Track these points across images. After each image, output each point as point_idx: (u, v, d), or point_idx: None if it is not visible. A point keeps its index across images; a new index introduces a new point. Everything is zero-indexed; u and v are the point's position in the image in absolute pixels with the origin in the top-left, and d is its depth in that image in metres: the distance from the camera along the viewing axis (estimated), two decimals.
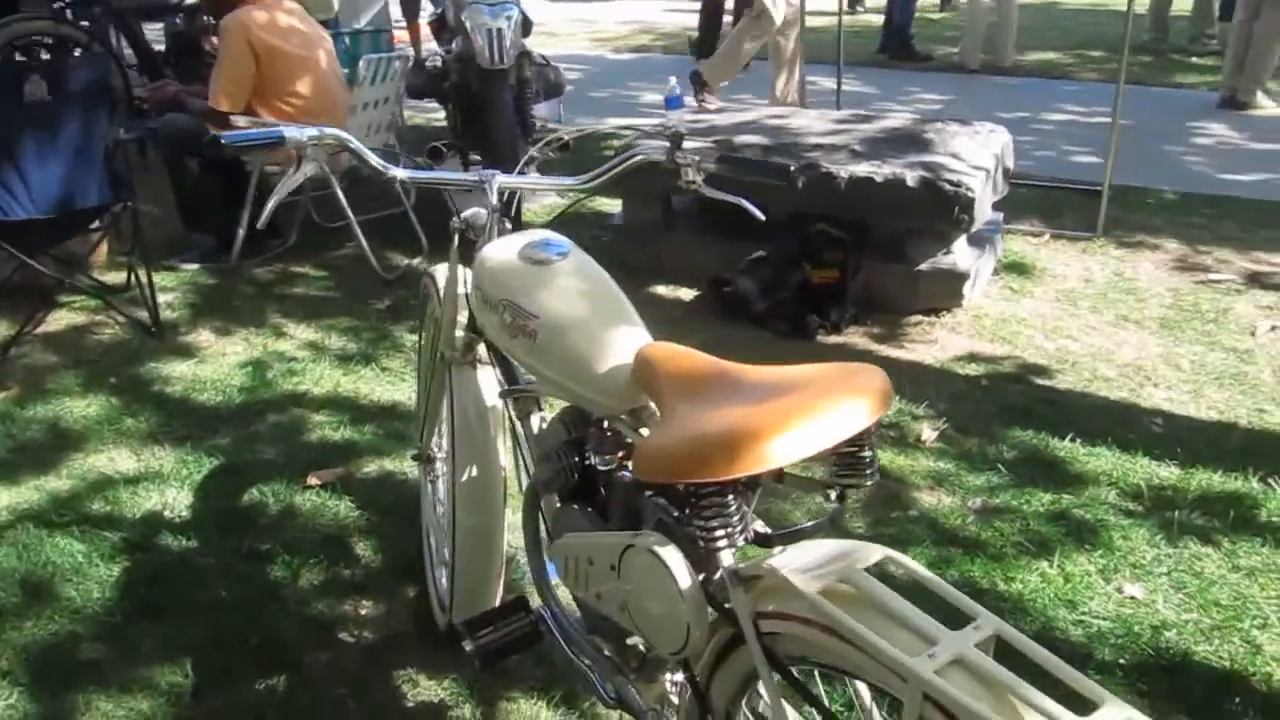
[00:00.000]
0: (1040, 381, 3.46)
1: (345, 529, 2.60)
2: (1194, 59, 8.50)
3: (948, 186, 3.71)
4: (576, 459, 1.61)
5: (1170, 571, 2.48)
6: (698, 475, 1.19)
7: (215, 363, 3.51)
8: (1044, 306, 4.01)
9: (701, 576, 1.37)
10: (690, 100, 4.84)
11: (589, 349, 1.49)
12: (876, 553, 1.27)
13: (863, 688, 1.38)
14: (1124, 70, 4.54)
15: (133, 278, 3.91)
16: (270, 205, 1.66)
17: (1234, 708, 2.08)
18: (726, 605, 1.39)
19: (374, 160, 1.76)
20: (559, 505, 1.66)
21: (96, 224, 3.88)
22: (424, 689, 2.09)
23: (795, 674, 1.31)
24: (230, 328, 3.79)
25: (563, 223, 4.84)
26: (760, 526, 1.28)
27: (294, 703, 2.06)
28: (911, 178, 3.76)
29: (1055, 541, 2.59)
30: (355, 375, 3.43)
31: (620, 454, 1.55)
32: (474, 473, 1.87)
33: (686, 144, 1.74)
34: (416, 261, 4.38)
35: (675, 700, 1.67)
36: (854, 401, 1.22)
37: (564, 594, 1.77)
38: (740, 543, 1.27)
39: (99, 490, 2.77)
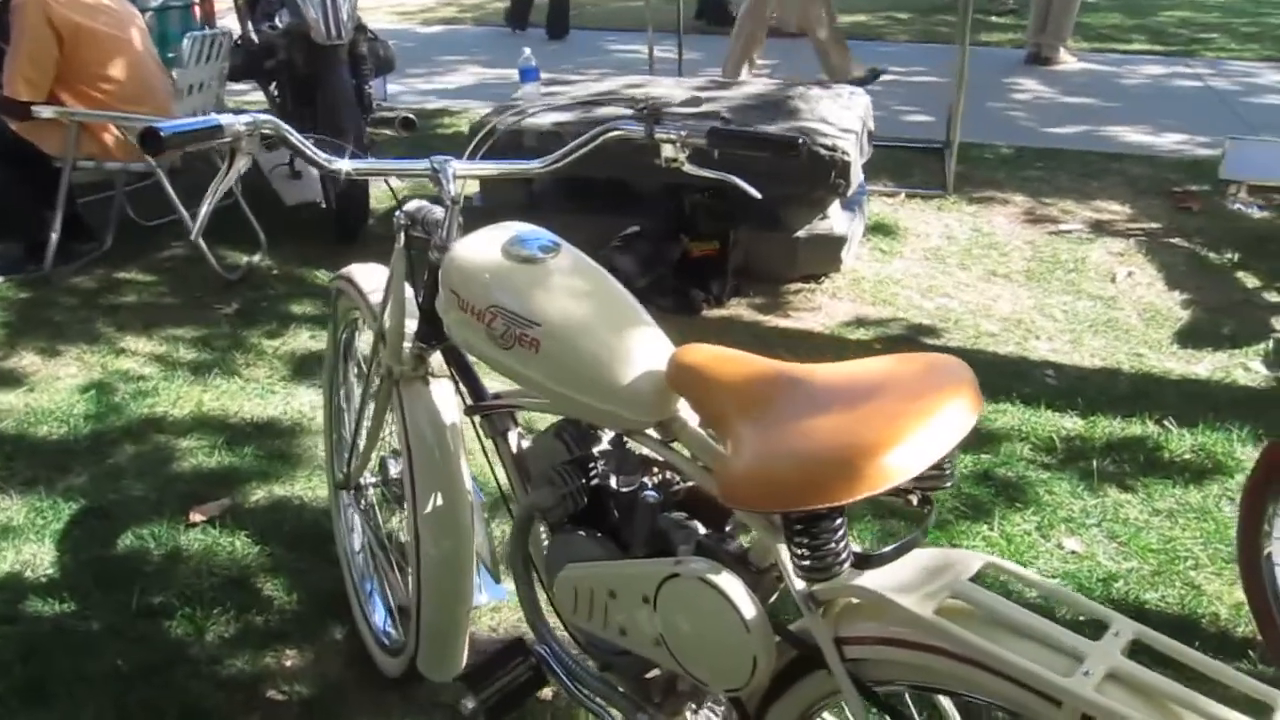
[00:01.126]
0: (930, 341, 3.48)
1: (247, 569, 2.30)
2: (993, 18, 8.89)
3: (824, 151, 3.67)
4: (584, 480, 1.43)
5: (1100, 522, 2.52)
6: (813, 501, 1.04)
7: (48, 389, 3.07)
8: (915, 266, 4.05)
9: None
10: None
11: (608, 358, 1.31)
12: (976, 560, 1.16)
13: (945, 701, 1.28)
14: (966, 30, 4.64)
15: None
16: (206, 210, 1.37)
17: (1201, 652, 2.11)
18: (790, 629, 1.26)
19: (312, 151, 1.50)
20: (559, 533, 1.47)
21: None
22: None
23: (884, 700, 1.20)
24: (57, 347, 3.33)
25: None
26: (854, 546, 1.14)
27: None
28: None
29: (988, 503, 2.58)
30: (218, 390, 3.07)
31: (643, 473, 1.38)
32: (438, 500, 1.65)
33: (666, 120, 1.56)
34: (257, 258, 4.00)
35: None
36: (958, 400, 1.10)
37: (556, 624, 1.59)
38: (847, 567, 1.13)
39: None
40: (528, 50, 3.97)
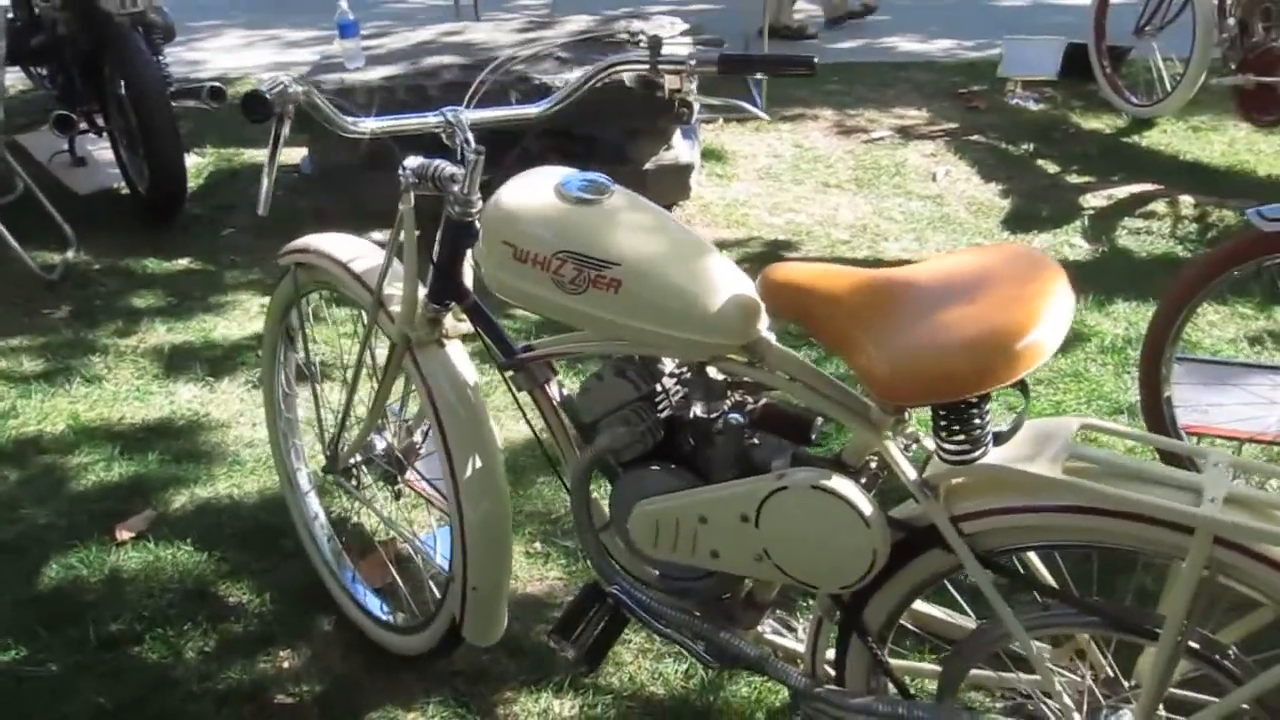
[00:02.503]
0: (792, 255, 3.63)
1: (203, 578, 2.16)
2: None
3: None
4: (658, 415, 1.44)
5: (996, 397, 2.75)
6: (980, 386, 1.12)
7: None
8: (754, 186, 4.20)
9: None
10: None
11: (694, 287, 1.32)
12: (1074, 423, 1.27)
13: (1034, 558, 1.39)
14: None
15: None
16: (268, 186, 1.25)
17: None
18: (899, 518, 1.34)
19: (333, 112, 1.40)
20: (628, 471, 1.48)
21: None
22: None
23: (1002, 565, 1.30)
24: None
25: (218, 182, 4.26)
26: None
27: None
28: (629, 78, 3.71)
29: None
30: (88, 400, 2.80)
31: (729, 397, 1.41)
32: (476, 463, 1.61)
33: (666, 50, 1.56)
34: (71, 255, 3.64)
35: (782, 639, 1.60)
36: (1060, 279, 1.20)
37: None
38: (990, 446, 1.21)
39: None
40: (343, 3, 3.76)
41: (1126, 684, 1.37)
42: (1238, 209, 3.77)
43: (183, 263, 3.60)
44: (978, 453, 1.20)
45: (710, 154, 4.47)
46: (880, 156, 4.42)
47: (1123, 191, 3.97)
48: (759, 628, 1.60)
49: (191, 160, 4.25)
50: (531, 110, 1.62)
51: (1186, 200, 3.85)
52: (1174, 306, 2.20)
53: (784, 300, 1.29)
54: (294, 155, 4.36)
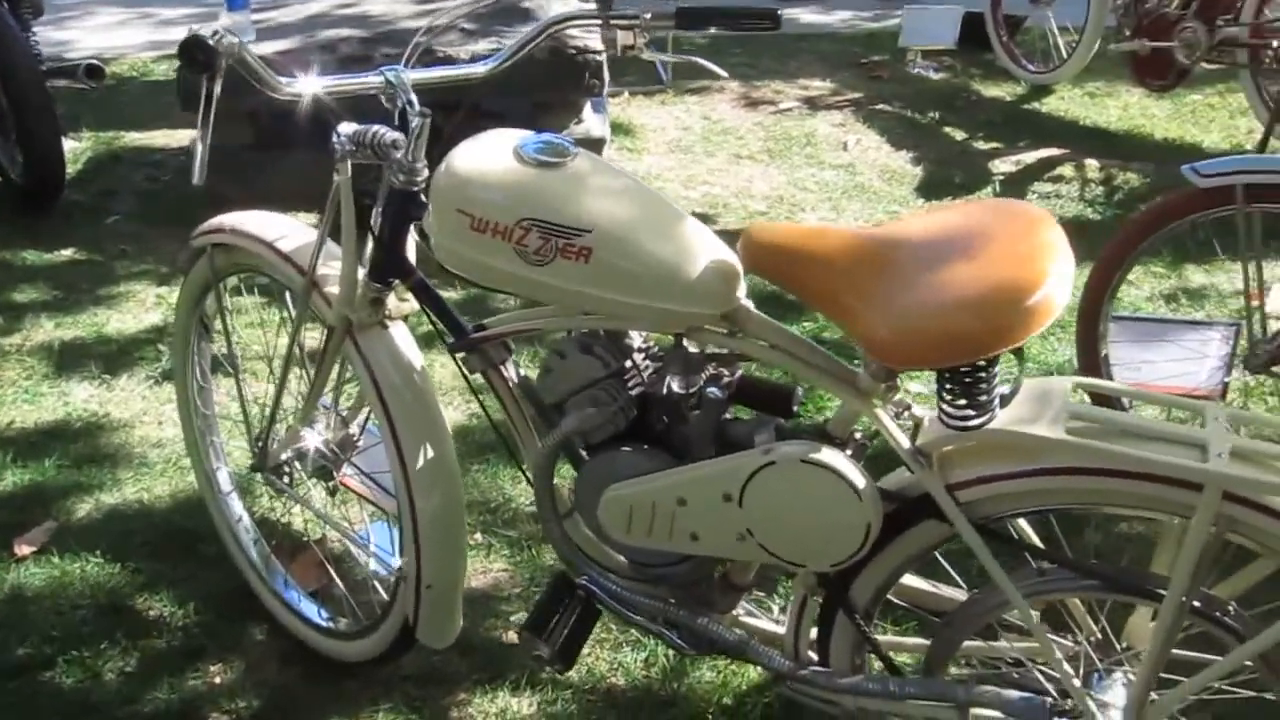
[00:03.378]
0: (713, 228, 3.57)
1: (117, 591, 1.99)
2: None
3: (575, 53, 3.62)
4: (629, 393, 1.35)
5: None
6: (992, 347, 1.07)
7: None
8: (665, 160, 4.12)
9: None
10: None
11: (670, 255, 1.24)
12: (1065, 383, 1.23)
13: (1023, 523, 1.36)
14: None
15: None
16: (202, 150, 1.11)
17: None
18: (890, 489, 1.28)
19: (266, 71, 1.26)
20: (597, 454, 1.39)
21: None
22: None
23: (998, 532, 1.26)
24: None
25: (98, 167, 3.99)
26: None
27: None
28: (538, 49, 3.58)
29: None
30: None
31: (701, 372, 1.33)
32: (427, 452, 1.50)
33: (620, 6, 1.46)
34: None
35: (758, 621, 1.54)
36: (1057, 232, 1.16)
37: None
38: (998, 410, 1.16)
39: None
40: None
41: (1119, 646, 1.35)
42: (1141, 171, 3.86)
43: (66, 253, 3.35)
44: (985, 418, 1.15)
45: (619, 128, 4.37)
46: (790, 127, 4.39)
47: (1030, 156, 4.02)
48: (740, 610, 1.53)
49: (69, 144, 3.96)
50: (479, 69, 1.52)
51: (1092, 164, 3.93)
52: (1110, 265, 2.20)
53: (768, 263, 1.22)
54: (182, 137, 4.13)
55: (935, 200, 3.71)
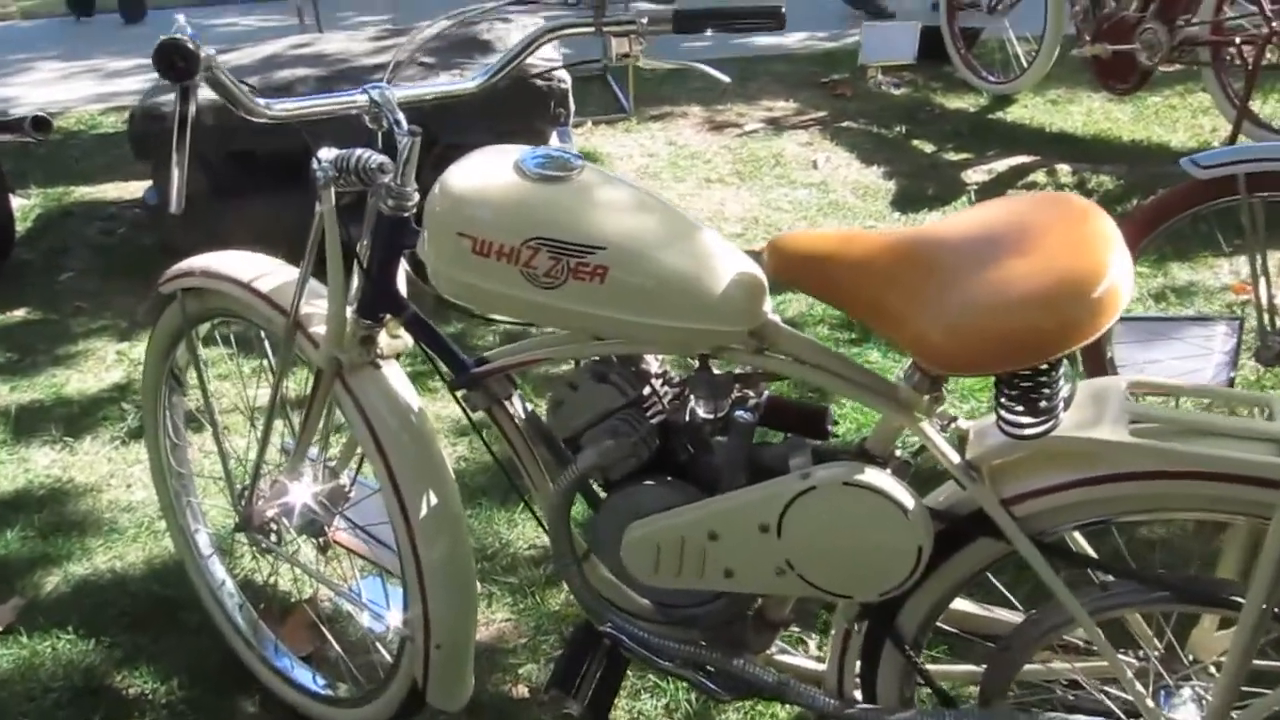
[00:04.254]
0: None
1: (91, 670, 1.85)
2: None
3: (540, 82, 3.55)
4: (649, 423, 1.26)
5: None
6: (1063, 344, 0.98)
7: None
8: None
9: None
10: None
11: (692, 270, 1.15)
12: (1122, 382, 1.15)
13: (1079, 536, 1.27)
14: None
15: None
16: (179, 177, 1.01)
17: None
18: (939, 509, 1.20)
19: (241, 90, 1.17)
20: (616, 491, 1.29)
21: None
22: None
23: (1057, 548, 1.18)
24: None
25: (49, 224, 3.85)
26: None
27: None
28: (501, 80, 3.51)
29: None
30: None
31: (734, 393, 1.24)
32: (430, 498, 1.39)
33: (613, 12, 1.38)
34: None
35: (796, 659, 1.44)
36: (1106, 222, 1.09)
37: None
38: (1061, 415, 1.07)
39: None
40: (181, 18, 3.42)
41: (1185, 660, 1.27)
42: (1113, 173, 3.84)
43: (19, 314, 3.20)
44: (1049, 424, 1.06)
45: (585, 157, 4.29)
46: (757, 149, 4.34)
47: (1001, 165, 4.00)
48: (775, 647, 1.43)
49: (17, 202, 3.82)
50: (469, 85, 1.43)
51: (1064, 168, 3.91)
52: None
53: (799, 272, 1.14)
54: (135, 189, 4.00)
55: (912, 214, 3.66)
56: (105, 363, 2.91)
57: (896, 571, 1.17)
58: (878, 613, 1.27)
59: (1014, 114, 4.57)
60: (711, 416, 1.24)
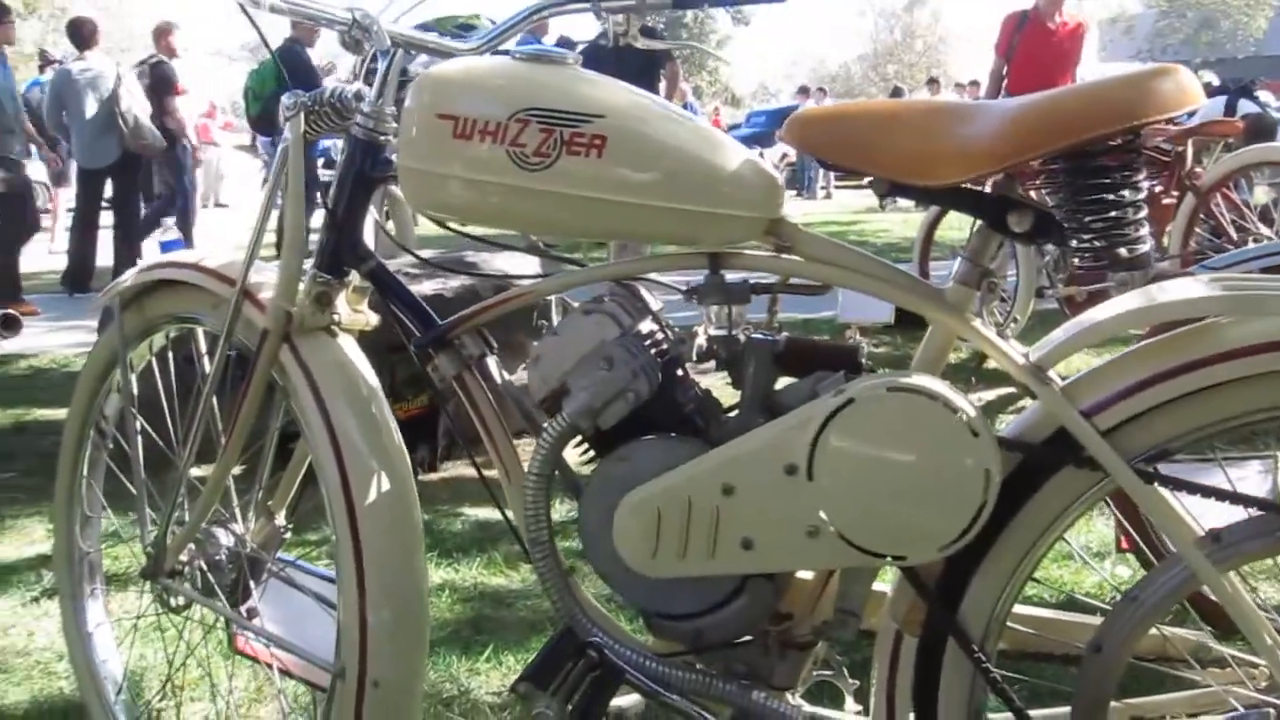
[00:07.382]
0: None
1: None
2: None
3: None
4: (651, 353, 1.06)
5: None
6: (1147, 111, 0.83)
7: None
8: None
9: None
10: None
11: (700, 146, 1.01)
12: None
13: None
14: None
15: None
16: None
17: None
18: (1003, 435, 0.99)
19: None
20: (608, 458, 1.07)
21: None
22: None
23: (1161, 475, 0.95)
24: None
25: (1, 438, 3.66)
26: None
27: None
28: (481, 286, 3.52)
29: None
30: None
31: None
32: (381, 484, 1.14)
33: None
34: None
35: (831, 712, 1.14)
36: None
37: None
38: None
39: None
40: (170, 221, 3.45)
41: None
42: None
43: None
44: (1135, 248, 0.89)
45: None
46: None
47: (990, 394, 3.95)
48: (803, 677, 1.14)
49: None
50: (460, 46, 1.34)
51: None
52: None
53: (822, 138, 1.00)
54: None
55: None
56: (31, 538, 2.64)
57: (961, 509, 0.94)
58: (937, 597, 1.01)
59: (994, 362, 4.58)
60: (724, 334, 1.05)
